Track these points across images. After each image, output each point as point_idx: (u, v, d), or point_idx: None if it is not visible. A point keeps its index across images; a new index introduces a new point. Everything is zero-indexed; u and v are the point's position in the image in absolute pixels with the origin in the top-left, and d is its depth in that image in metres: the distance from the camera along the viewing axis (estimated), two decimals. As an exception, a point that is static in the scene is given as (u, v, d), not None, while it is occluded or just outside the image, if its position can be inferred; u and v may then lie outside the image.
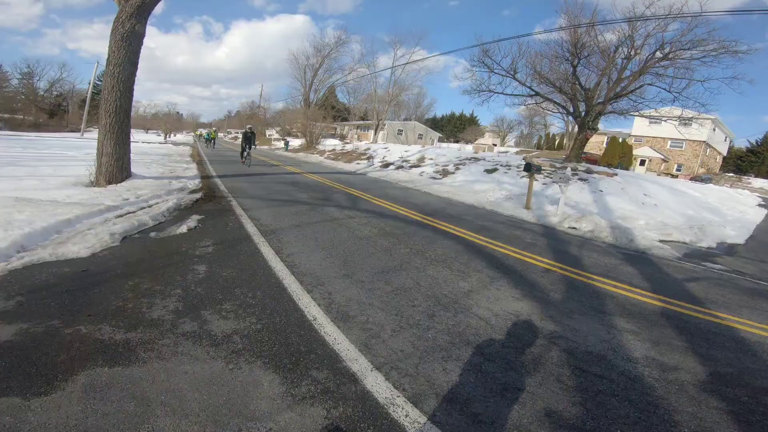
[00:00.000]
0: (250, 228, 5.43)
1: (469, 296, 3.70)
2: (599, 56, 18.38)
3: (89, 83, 40.15)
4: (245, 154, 16.12)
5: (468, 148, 48.11)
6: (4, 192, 6.10)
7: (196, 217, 5.79)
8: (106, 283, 3.27)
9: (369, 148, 26.02)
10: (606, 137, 42.50)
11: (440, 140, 58.71)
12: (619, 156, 35.36)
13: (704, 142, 41.06)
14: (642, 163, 40.92)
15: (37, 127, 50.42)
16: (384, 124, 44.09)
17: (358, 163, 21.44)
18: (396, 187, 12.48)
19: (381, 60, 62.48)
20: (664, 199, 12.13)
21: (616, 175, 14.40)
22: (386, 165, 19.05)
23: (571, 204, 10.40)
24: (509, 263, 5.02)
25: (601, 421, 2.12)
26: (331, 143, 36.39)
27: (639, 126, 42.09)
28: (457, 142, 65.50)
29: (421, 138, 52.87)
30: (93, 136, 26.61)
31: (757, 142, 51.86)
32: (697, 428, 2.16)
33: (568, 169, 10.26)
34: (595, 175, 13.89)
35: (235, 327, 2.69)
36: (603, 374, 2.61)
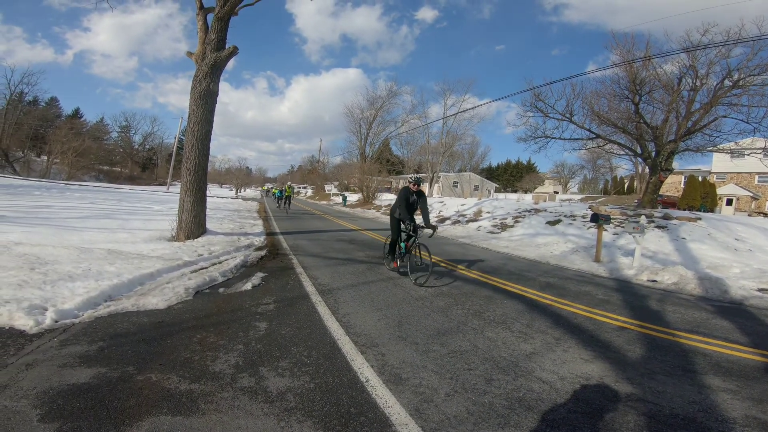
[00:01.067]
0: (309, 287, 5.62)
1: (531, 359, 3.45)
2: (662, 90, 17.48)
3: (175, 138, 45.53)
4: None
5: (527, 198, 46.69)
6: (100, 244, 6.98)
7: (260, 274, 6.14)
8: (178, 335, 3.53)
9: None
10: (683, 177, 39.27)
11: (497, 191, 57.83)
12: (701, 197, 32.20)
13: (802, 176, 36.28)
14: (728, 202, 36.76)
15: (131, 179, 57.32)
16: (438, 177, 44.55)
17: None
18: (453, 243, 12.33)
19: (432, 109, 64.84)
20: (761, 243, 10.69)
21: (699, 219, 13.06)
22: (442, 220, 19.01)
23: (649, 254, 9.53)
24: (577, 322, 4.64)
25: None
26: (387, 198, 37.36)
27: (720, 162, 38.17)
28: (514, 191, 64.04)
29: (477, 189, 52.49)
30: (176, 190, 29.93)
31: None
32: None
33: (643, 216, 9.54)
34: (674, 221, 12.71)
35: (289, 385, 2.72)
36: None
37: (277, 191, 35.86)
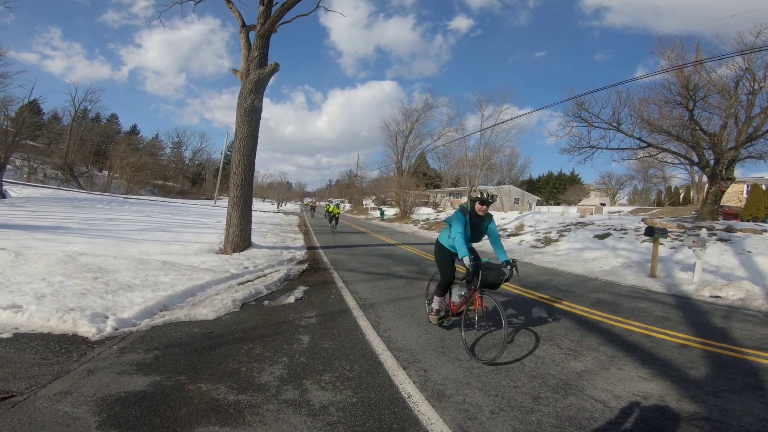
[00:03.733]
0: (350, 301, 5.66)
1: (582, 377, 3.26)
2: (718, 95, 16.30)
3: (221, 153, 47.52)
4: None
5: (572, 211, 44.71)
6: (155, 255, 7.42)
7: (302, 288, 6.27)
8: (227, 346, 3.65)
9: (463, 215, 25.79)
10: (745, 186, 36.21)
11: (539, 204, 55.88)
12: (766, 207, 29.51)
13: None
14: (797, 213, 33.36)
15: (182, 193, 60.42)
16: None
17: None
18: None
19: (469, 121, 63.69)
20: (843, 259, 9.59)
21: (766, 231, 11.95)
22: (482, 232, 18.61)
23: (711, 269, 8.81)
24: (633, 340, 4.35)
25: None
26: (424, 212, 37.16)
27: None
28: (558, 204, 61.55)
29: (518, 203, 51.05)
30: (223, 204, 31.36)
31: None
32: None
33: (703, 229, 8.88)
34: (738, 233, 11.70)
35: (332, 399, 2.73)
36: None
37: (307, 204, 34.48)
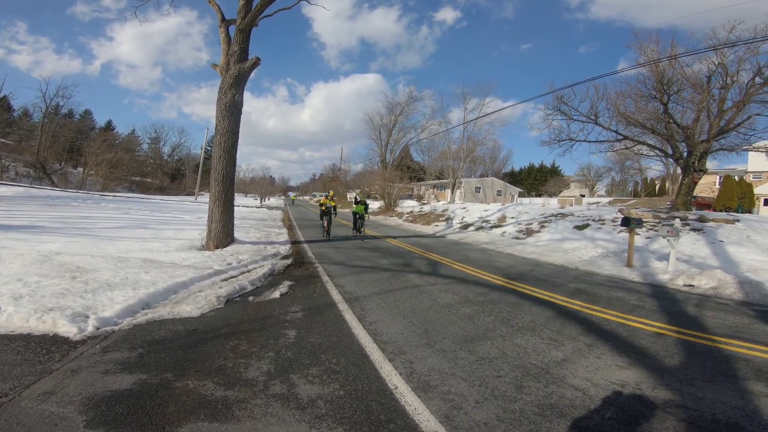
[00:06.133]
0: (335, 295, 5.68)
1: (562, 366, 3.37)
2: (691, 90, 16.86)
3: (201, 148, 46.61)
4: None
5: (552, 203, 45.60)
6: (135, 253, 7.27)
7: (287, 282, 6.25)
8: (212, 342, 3.63)
9: (447, 209, 26.13)
10: (718, 177, 37.58)
11: (520, 195, 56.73)
12: (738, 197, 30.74)
13: None
14: (767, 203, 34.90)
15: (161, 190, 59.14)
16: (460, 182, 44.17)
17: (437, 225, 21.52)
18: (476, 250, 12.20)
19: (453, 114, 64.20)
20: (807, 247, 10.09)
21: (737, 221, 12.46)
22: (465, 226, 18.84)
23: (684, 258, 9.16)
24: (610, 329, 4.51)
25: None
26: (408, 204, 37.30)
27: (756, 160, 36.30)
28: (539, 196, 62.67)
29: (500, 194, 51.71)
30: (204, 199, 30.81)
31: None
32: None
33: (677, 219, 9.20)
34: (710, 223, 12.17)
35: (319, 392, 2.76)
36: None
37: (293, 200, 32.75)
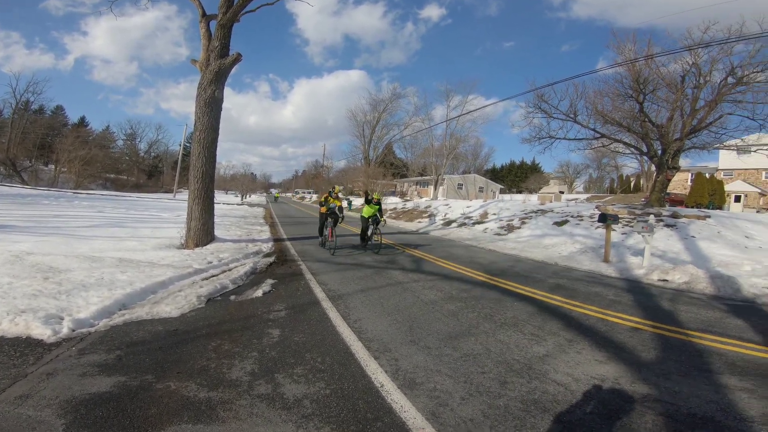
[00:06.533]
0: (319, 293, 5.64)
1: (544, 361, 3.44)
2: (666, 89, 17.40)
3: (180, 145, 45.57)
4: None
5: (533, 199, 46.41)
6: (110, 252, 7.05)
7: (269, 281, 6.18)
8: (193, 343, 3.56)
9: (430, 206, 26.28)
10: (690, 174, 38.89)
11: (502, 192, 57.55)
12: (709, 194, 31.95)
13: (810, 170, 35.89)
14: (737, 199, 36.44)
15: (138, 187, 57.56)
16: (443, 179, 44.49)
17: (420, 222, 21.62)
18: (459, 246, 12.31)
19: (437, 111, 64.73)
20: (772, 242, 10.57)
21: (708, 217, 12.94)
22: (448, 223, 18.99)
23: (658, 254, 9.46)
24: (590, 324, 4.62)
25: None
26: (392, 201, 37.33)
27: (726, 159, 37.83)
28: (519, 192, 63.73)
29: (482, 191, 52.34)
30: (183, 197, 30.11)
31: None
32: None
33: (651, 216, 9.48)
34: (683, 219, 12.61)
35: (305, 391, 2.75)
36: None
37: (277, 197, 32.20)
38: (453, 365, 3.30)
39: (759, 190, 36.57)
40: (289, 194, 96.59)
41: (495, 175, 71.47)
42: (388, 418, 2.46)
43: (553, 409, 2.63)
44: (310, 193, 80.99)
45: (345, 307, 4.99)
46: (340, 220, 10.14)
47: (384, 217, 10.53)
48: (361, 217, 10.65)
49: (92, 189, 45.03)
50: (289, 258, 8.67)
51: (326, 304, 5.06)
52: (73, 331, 3.63)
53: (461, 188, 50.68)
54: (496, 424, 2.42)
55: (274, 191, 65.87)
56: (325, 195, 10.25)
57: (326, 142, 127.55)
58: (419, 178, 51.31)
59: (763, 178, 37.98)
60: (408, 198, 44.32)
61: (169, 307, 4.52)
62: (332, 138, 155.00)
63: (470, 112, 36.07)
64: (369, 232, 10.46)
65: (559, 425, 2.43)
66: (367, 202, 10.56)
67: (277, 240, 11.79)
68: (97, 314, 4.03)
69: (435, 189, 43.37)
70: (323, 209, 10.24)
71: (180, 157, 43.96)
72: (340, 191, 10.48)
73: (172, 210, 20.40)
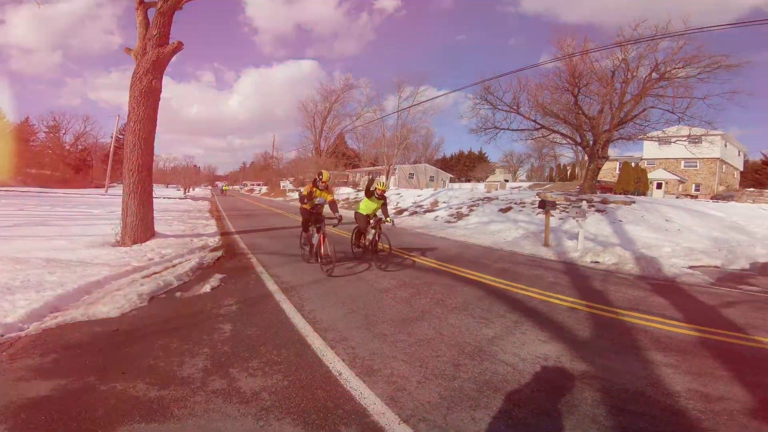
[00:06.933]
0: (271, 285, 5.54)
1: (493, 343, 3.65)
2: (598, 83, 18.82)
3: (111, 137, 41.86)
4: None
5: (480, 187, 48.25)
6: (36, 252, 6.43)
7: (218, 275, 5.96)
8: (138, 342, 3.38)
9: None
10: (618, 163, 42.30)
11: (451, 180, 59.21)
12: (634, 181, 35.04)
13: (718, 158, 40.50)
14: (659, 186, 40.35)
15: (64, 183, 52.30)
16: (395, 169, 44.93)
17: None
18: (411, 234, 12.57)
19: (389, 102, 64.96)
20: (688, 223, 11.86)
21: (633, 202, 14.23)
22: (400, 211, 19.26)
23: (591, 237, 10.27)
24: (533, 305, 4.95)
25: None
26: (344, 191, 37.14)
27: (650, 149, 41.57)
28: (468, 181, 65.99)
29: (433, 180, 53.50)
30: (117, 192, 27.89)
31: (771, 153, 50.72)
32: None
33: (584, 202, 10.25)
34: (612, 205, 13.76)
35: (262, 384, 2.72)
36: (643, 411, 2.54)
37: (225, 190, 30.31)
38: (408, 350, 3.40)
39: (678, 178, 40.73)
40: (237, 187, 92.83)
41: (445, 164, 73.21)
42: (349, 405, 2.50)
43: (504, 389, 2.78)
44: (259, 185, 78.40)
45: (299, 298, 4.94)
46: (335, 222, 7.05)
47: (389, 217, 7.40)
48: (357, 214, 7.68)
49: (11, 186, 40.29)
50: (239, 251, 8.40)
51: (279, 296, 4.99)
52: (2, 335, 3.30)
53: (412, 177, 51.44)
54: (452, 405, 2.54)
55: (220, 184, 62.87)
56: (309, 187, 7.25)
57: (276, 132, 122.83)
58: (371, 168, 51.33)
59: (682, 167, 42.23)
60: (360, 188, 44.20)
61: (107, 307, 4.23)
62: (282, 129, 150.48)
63: (421, 103, 36.56)
64: (369, 237, 7.39)
65: (510, 403, 2.58)
66: (369, 194, 7.48)
67: (224, 234, 11.33)
68: (26, 318, 3.68)
69: (387, 179, 43.65)
70: (306, 206, 7.19)
71: (112, 149, 40.26)
72: (329, 179, 7.25)
73: (104, 206, 18.84)
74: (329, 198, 7.27)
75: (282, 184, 58.96)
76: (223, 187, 52.67)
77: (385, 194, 7.61)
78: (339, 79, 71.86)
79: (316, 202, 7.17)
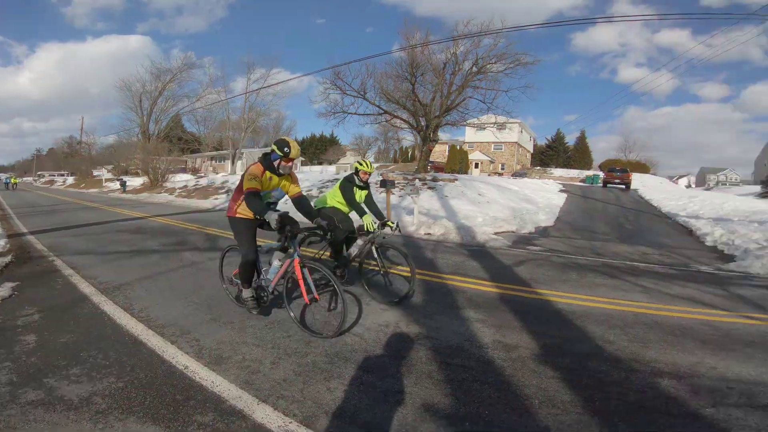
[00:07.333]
0: (86, 288, 4.75)
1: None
2: (432, 74, 21.31)
3: None
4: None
5: (330, 170, 49.37)
6: None
7: (8, 284, 4.75)
8: None
9: (227, 181, 24.78)
10: (447, 146, 48.78)
11: (303, 164, 58.73)
12: (459, 162, 41.03)
13: (516, 143, 50.73)
14: (476, 166, 48.35)
15: None
16: (242, 153, 42.16)
17: (216, 198, 20.28)
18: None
19: (237, 84, 59.51)
20: (494, 196, 14.61)
21: (456, 180, 16.74)
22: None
23: (424, 212, 11.73)
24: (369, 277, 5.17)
25: (471, 406, 2.44)
26: (182, 178, 33.29)
27: (469, 134, 49.78)
28: (320, 164, 66.52)
29: (284, 163, 52.01)
30: None
31: (552, 139, 66.20)
32: (544, 398, 2.49)
33: (417, 180, 11.62)
34: (440, 182, 15.91)
35: (91, 389, 2.48)
36: (464, 364, 2.95)
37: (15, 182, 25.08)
38: (258, 334, 3.43)
39: (489, 159, 49.36)
40: (29, 179, 73.00)
41: (295, 147, 71.63)
42: (201, 395, 2.46)
43: (354, 358, 3.03)
44: (63, 175, 63.24)
45: (125, 298, 4.40)
46: (333, 234, 4.66)
47: (394, 225, 4.84)
48: (333, 209, 5.06)
49: None
50: (35, 255, 6.76)
51: (98, 299, 4.34)
52: None
53: (261, 161, 49.00)
54: (308, 379, 2.69)
55: (4, 176, 48.08)
56: (256, 168, 3.63)
57: (88, 114, 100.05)
58: (215, 153, 47.03)
59: (492, 150, 51.11)
60: (202, 174, 40.31)
61: None
62: (99, 111, 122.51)
63: (272, 85, 35.20)
64: (354, 251, 4.90)
65: (361, 371, 2.83)
66: (349, 182, 4.94)
67: (12, 236, 8.93)
68: None
69: (233, 164, 40.83)
70: (247, 212, 3.65)
71: None
72: (298, 154, 3.69)
73: None
74: (295, 190, 3.91)
75: (97, 173, 48.64)
76: (12, 180, 40.48)
77: (368, 184, 5.08)
78: (178, 58, 62.86)
79: (271, 199, 3.84)
